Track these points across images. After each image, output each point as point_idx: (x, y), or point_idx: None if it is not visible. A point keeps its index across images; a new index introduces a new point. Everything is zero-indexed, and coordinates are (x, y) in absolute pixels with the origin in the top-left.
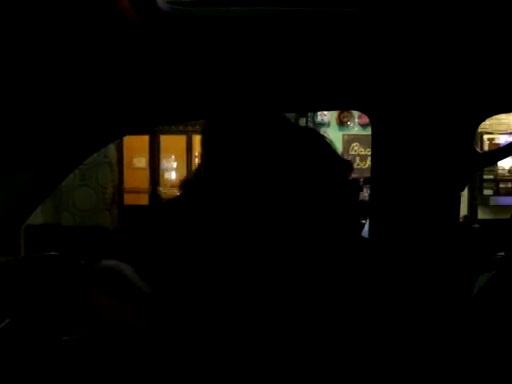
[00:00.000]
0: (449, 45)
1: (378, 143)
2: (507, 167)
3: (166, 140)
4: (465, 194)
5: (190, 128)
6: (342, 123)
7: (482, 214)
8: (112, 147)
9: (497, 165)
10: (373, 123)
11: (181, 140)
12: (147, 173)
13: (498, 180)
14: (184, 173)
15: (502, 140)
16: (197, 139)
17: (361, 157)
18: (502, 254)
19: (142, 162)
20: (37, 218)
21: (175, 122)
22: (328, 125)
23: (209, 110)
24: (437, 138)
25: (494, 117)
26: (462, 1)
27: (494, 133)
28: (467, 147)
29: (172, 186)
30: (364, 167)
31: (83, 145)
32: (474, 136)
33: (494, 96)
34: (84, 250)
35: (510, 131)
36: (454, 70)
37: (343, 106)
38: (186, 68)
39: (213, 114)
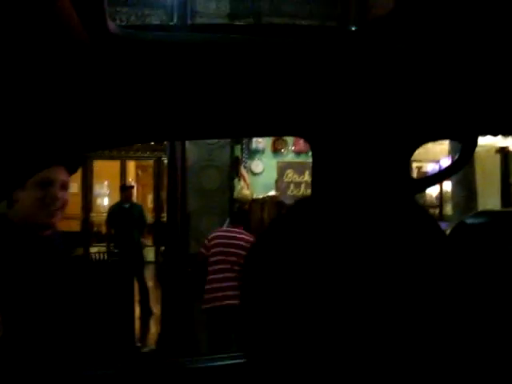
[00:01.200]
0: (383, 74)
1: (317, 169)
2: (434, 195)
3: (98, 165)
4: None
5: (123, 153)
6: (276, 150)
7: None
8: None
9: (425, 192)
10: (313, 149)
11: (114, 165)
12: (79, 199)
13: (427, 206)
14: (116, 198)
15: (429, 168)
16: (131, 165)
17: (295, 184)
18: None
19: (74, 187)
20: None
21: (116, 145)
22: (263, 152)
23: (149, 134)
24: (375, 163)
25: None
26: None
27: (422, 161)
28: (405, 173)
29: (104, 212)
30: (298, 194)
31: (16, 169)
32: (409, 164)
33: (430, 123)
34: None
35: (436, 159)
36: (389, 96)
37: (282, 132)
38: (130, 90)
39: (153, 138)
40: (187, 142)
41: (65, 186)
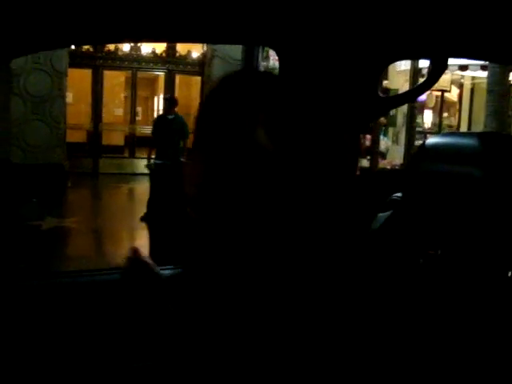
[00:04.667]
0: None
1: (284, 80)
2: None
3: (109, 75)
4: (402, 144)
5: (135, 65)
6: None
7: None
8: (65, 79)
9: (423, 120)
10: (280, 59)
11: (124, 75)
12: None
13: (425, 133)
14: (128, 109)
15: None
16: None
17: None
18: (399, 195)
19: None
20: None
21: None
22: None
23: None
24: (342, 78)
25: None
26: None
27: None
28: (372, 91)
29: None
30: None
31: None
32: (378, 81)
33: (398, 42)
34: (35, 187)
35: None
36: (359, 14)
37: (252, 41)
38: None
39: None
40: None
41: None
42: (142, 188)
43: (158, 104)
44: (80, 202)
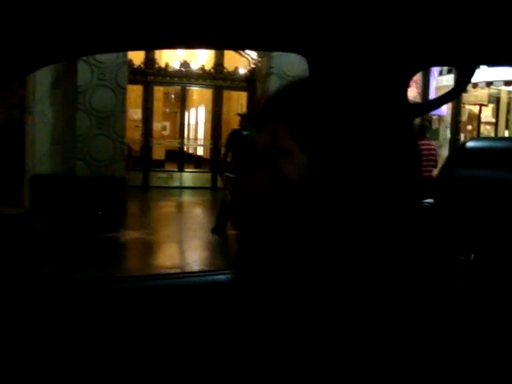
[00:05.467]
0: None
1: (314, 86)
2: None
3: (158, 91)
4: (444, 158)
5: (184, 81)
6: None
7: None
8: (126, 95)
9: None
10: (310, 66)
11: (174, 91)
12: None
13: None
14: (177, 124)
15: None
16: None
17: None
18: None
19: (137, 113)
20: (43, 167)
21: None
22: None
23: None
24: (373, 84)
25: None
26: None
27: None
28: (401, 97)
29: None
30: None
31: None
32: (406, 89)
33: (428, 49)
34: (99, 200)
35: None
36: (389, 20)
37: (279, 48)
38: None
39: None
40: None
41: None
42: (197, 200)
43: (208, 119)
44: (144, 215)
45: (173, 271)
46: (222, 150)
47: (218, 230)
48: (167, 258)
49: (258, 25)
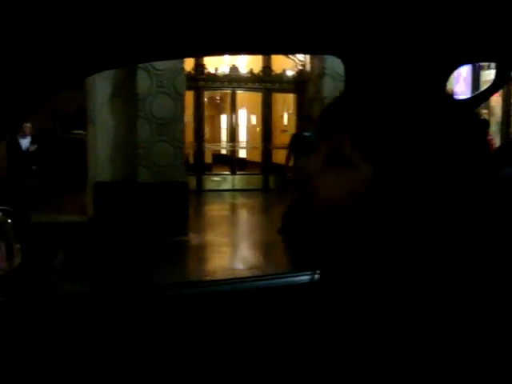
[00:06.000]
0: None
1: (351, 88)
2: None
3: (209, 96)
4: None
5: (268, 85)
6: None
7: None
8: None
9: None
10: (346, 68)
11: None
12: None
13: None
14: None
15: None
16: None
17: None
18: None
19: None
20: (105, 174)
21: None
22: None
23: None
24: (412, 83)
25: None
26: None
27: None
28: (441, 94)
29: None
30: None
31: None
32: (445, 85)
33: (466, 45)
34: (162, 206)
35: None
36: (427, 17)
37: (317, 50)
38: None
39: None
40: None
41: None
42: (251, 202)
43: (258, 122)
44: (206, 218)
45: (251, 272)
46: (273, 151)
47: (284, 230)
48: (241, 259)
49: (294, 28)
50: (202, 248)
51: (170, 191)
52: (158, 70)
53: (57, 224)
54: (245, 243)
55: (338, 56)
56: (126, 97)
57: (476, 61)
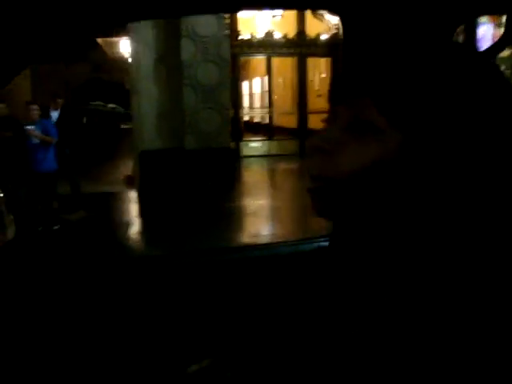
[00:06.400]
0: None
1: (348, 45)
2: None
3: (244, 62)
4: None
5: (304, 50)
6: None
7: None
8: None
9: None
10: (344, 24)
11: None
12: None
13: None
14: (265, 94)
15: None
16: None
17: None
18: None
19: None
20: (152, 143)
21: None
22: None
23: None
24: (415, 38)
25: None
26: None
27: None
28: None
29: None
30: None
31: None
32: (452, 39)
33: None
34: (209, 172)
35: None
36: None
37: (312, 5)
38: None
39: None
40: None
41: None
42: (291, 167)
43: (293, 87)
44: (252, 183)
45: (308, 235)
46: (309, 116)
47: None
48: (296, 222)
49: None
50: (257, 212)
51: (216, 157)
52: (202, 37)
53: (104, 194)
54: (296, 206)
55: (334, 12)
56: (169, 65)
57: (486, 13)
